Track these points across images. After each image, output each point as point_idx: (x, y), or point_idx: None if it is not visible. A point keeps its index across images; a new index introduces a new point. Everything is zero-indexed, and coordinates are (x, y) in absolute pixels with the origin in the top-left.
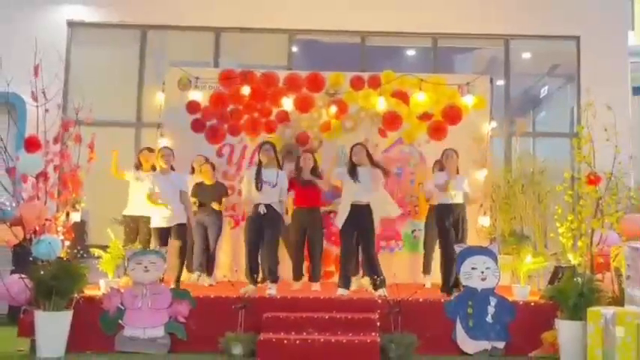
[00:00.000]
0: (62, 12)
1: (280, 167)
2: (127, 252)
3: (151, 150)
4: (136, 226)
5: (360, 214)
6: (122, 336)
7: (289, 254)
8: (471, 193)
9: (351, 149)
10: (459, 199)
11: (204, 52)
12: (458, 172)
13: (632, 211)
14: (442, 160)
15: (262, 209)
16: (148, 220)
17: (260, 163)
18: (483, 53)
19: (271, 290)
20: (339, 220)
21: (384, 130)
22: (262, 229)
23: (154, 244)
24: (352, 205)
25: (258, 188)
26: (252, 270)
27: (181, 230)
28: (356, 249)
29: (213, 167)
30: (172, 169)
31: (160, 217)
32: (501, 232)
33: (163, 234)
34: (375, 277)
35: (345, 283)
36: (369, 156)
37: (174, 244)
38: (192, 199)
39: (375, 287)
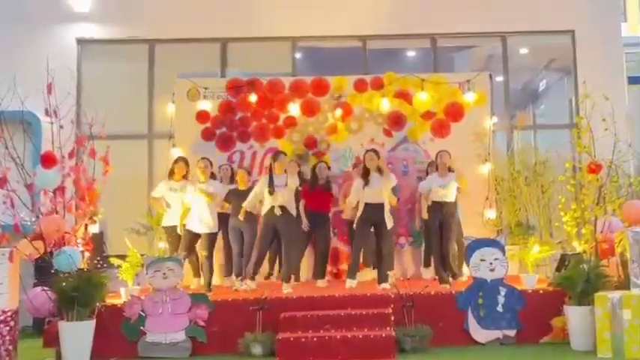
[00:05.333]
0: (71, 30)
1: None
2: (145, 260)
3: (185, 161)
4: (178, 235)
5: (374, 212)
6: (144, 342)
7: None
8: (461, 187)
9: (365, 155)
10: (450, 197)
11: (211, 62)
12: (452, 171)
13: (633, 197)
14: (436, 161)
15: (277, 211)
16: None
17: (271, 171)
18: (482, 51)
19: (288, 289)
20: (356, 221)
21: (389, 130)
22: (277, 230)
23: (183, 247)
24: (366, 205)
25: (271, 192)
26: (256, 267)
27: (211, 239)
28: (363, 245)
29: (249, 173)
30: (213, 177)
31: (196, 223)
32: (507, 224)
33: (194, 238)
34: (382, 271)
35: (352, 274)
36: (380, 163)
37: (202, 253)
38: (226, 205)
39: (379, 281)
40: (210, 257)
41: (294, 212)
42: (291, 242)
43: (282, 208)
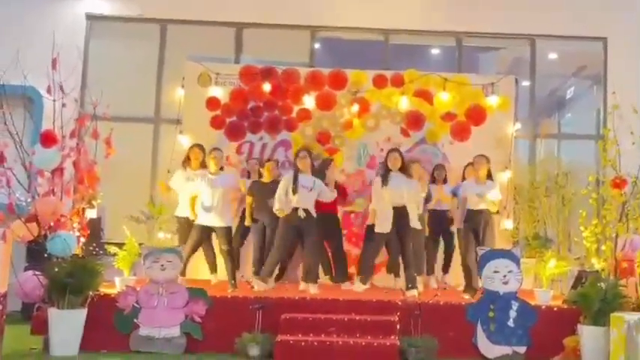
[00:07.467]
0: (81, 5)
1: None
2: (143, 249)
3: (201, 147)
4: (190, 227)
5: (398, 217)
6: (137, 335)
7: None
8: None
9: (388, 154)
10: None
11: (224, 47)
12: (491, 177)
13: None
14: (473, 166)
15: (301, 213)
16: None
17: (297, 169)
18: (508, 53)
19: (313, 289)
20: (379, 225)
21: (406, 130)
22: (301, 232)
23: (193, 240)
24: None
25: (294, 191)
26: (273, 268)
27: (228, 233)
28: (380, 250)
29: (277, 165)
30: (221, 169)
31: (208, 216)
32: (524, 235)
33: (206, 232)
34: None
35: (365, 280)
36: (403, 164)
37: (221, 247)
38: (249, 199)
39: (408, 288)
40: (230, 251)
41: (315, 214)
42: (316, 243)
43: (306, 210)
